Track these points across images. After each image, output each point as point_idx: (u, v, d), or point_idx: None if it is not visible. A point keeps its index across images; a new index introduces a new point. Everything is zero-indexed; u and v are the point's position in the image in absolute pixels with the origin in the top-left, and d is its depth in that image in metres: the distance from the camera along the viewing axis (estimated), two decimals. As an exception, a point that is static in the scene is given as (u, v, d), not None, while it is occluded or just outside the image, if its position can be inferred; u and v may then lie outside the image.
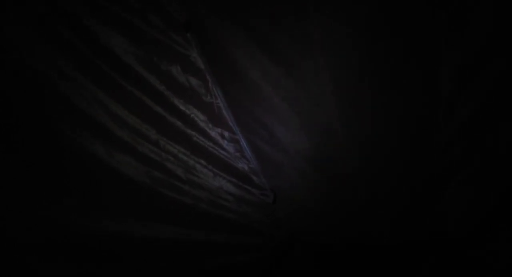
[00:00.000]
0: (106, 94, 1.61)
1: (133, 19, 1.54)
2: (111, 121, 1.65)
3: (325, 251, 2.17)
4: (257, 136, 2.00)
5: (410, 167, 2.03)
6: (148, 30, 1.59)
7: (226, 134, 1.96)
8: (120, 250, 1.77)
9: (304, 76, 1.79)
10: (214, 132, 1.93)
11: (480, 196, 2.11)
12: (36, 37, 1.39)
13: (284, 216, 2.13)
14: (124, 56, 1.59)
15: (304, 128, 1.93)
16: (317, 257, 2.17)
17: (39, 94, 1.48)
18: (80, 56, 1.48)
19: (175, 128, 1.83)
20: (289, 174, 2.10)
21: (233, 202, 2.00)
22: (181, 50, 1.71)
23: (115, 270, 1.78)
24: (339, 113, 1.85)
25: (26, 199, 1.57)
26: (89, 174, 1.67)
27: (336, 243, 2.20)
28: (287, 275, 2.09)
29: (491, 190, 2.02)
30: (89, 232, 1.70)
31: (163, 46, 1.66)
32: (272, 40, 1.73)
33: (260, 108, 1.93)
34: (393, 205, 2.17)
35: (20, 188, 1.59)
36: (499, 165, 1.89)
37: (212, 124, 1.91)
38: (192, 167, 1.91)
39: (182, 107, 1.83)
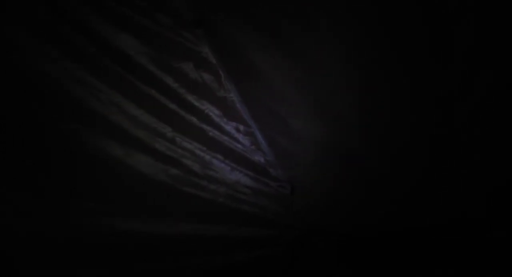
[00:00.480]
0: (121, 95, 1.64)
1: (142, 19, 1.54)
2: (127, 121, 1.68)
3: (346, 240, 2.18)
4: (272, 128, 2.00)
5: (427, 151, 2.01)
6: (157, 29, 1.59)
7: (241, 127, 1.97)
8: (139, 249, 1.81)
9: (316, 65, 1.78)
10: (229, 126, 1.93)
11: (498, 174, 2.09)
12: (49, 44, 1.41)
13: (302, 207, 2.13)
14: (136, 56, 1.60)
15: (319, 118, 1.92)
16: (338, 247, 2.17)
17: (54, 99, 1.50)
18: (93, 59, 1.50)
19: (191, 124, 1.84)
20: (305, 164, 2.10)
21: (250, 196, 2.02)
22: (192, 46, 1.71)
23: (135, 269, 1.82)
24: (353, 101, 1.83)
25: (46, 202, 1.62)
26: (107, 175, 1.71)
27: (357, 232, 2.20)
28: (308, 267, 2.11)
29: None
30: (108, 231, 1.74)
31: (174, 44, 1.66)
32: (283, 30, 1.72)
33: (274, 100, 1.92)
34: (412, 189, 2.16)
35: (40, 191, 1.64)
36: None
37: (227, 118, 1.92)
38: (209, 162, 1.93)
39: (196, 103, 1.83)
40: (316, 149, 2.05)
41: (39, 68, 1.44)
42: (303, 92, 1.85)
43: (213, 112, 1.89)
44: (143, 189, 1.78)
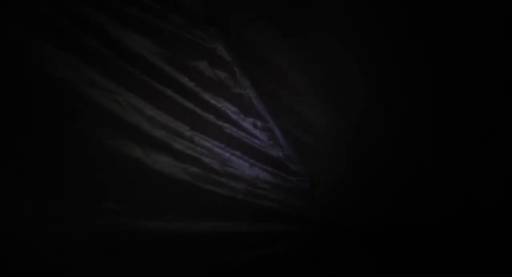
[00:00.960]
0: (137, 96, 1.65)
1: (155, 20, 1.55)
2: (144, 122, 1.70)
3: (366, 231, 2.17)
4: (289, 123, 1.99)
5: (446, 140, 1.99)
6: (171, 29, 1.60)
7: (258, 123, 1.97)
8: (162, 248, 1.83)
9: (330, 58, 1.77)
10: (246, 123, 1.94)
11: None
12: (67, 51, 1.43)
13: (322, 200, 2.13)
14: (151, 57, 1.62)
15: (335, 111, 1.91)
16: (358, 238, 2.17)
17: (73, 104, 1.53)
18: (108, 62, 1.52)
19: (208, 122, 1.85)
20: (323, 158, 2.09)
21: (270, 191, 2.02)
22: (206, 44, 1.71)
23: (158, 268, 1.84)
24: (368, 93, 1.82)
25: (70, 206, 1.66)
26: (128, 176, 1.73)
27: (376, 222, 2.19)
28: (331, 260, 2.11)
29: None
30: (132, 232, 1.77)
31: (188, 43, 1.67)
32: (296, 24, 1.71)
33: (289, 95, 1.92)
34: (431, 179, 2.14)
35: (64, 196, 1.67)
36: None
37: (243, 114, 1.92)
38: (228, 159, 1.94)
39: (212, 101, 1.84)
40: (334, 142, 2.04)
41: (58, 74, 1.48)
42: (318, 85, 1.84)
43: (230, 109, 1.89)
44: (163, 188, 1.81)
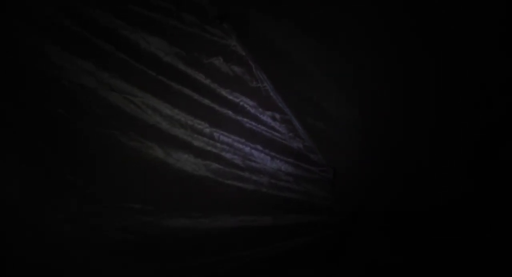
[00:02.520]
0: (155, 97, 1.68)
1: (168, 21, 1.57)
2: (163, 122, 1.72)
3: (392, 219, 2.15)
4: (308, 114, 1.99)
5: (463, 127, 1.96)
6: (184, 28, 1.62)
7: (277, 116, 1.96)
8: (187, 244, 1.86)
9: (346, 48, 1.76)
10: (265, 116, 1.94)
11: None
12: (85, 59, 1.47)
13: (345, 190, 2.12)
14: (166, 57, 1.64)
15: (352, 101, 1.89)
16: (385, 226, 2.15)
17: (94, 108, 1.56)
18: (124, 66, 1.55)
19: (227, 117, 1.86)
20: (343, 147, 2.08)
21: (293, 183, 2.02)
22: (220, 41, 1.72)
23: (184, 264, 1.87)
24: (386, 82, 1.80)
25: (93, 207, 1.70)
26: (150, 175, 1.76)
27: (403, 210, 2.17)
28: (357, 248, 2.11)
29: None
30: (156, 230, 1.80)
31: (202, 40, 1.68)
32: (311, 15, 1.71)
33: (306, 86, 1.91)
34: (450, 167, 2.11)
35: (86, 197, 1.72)
36: None
37: (262, 108, 1.92)
38: (249, 153, 1.94)
39: (230, 97, 1.85)
40: (353, 131, 2.02)
41: (79, 81, 1.51)
42: (336, 76, 1.83)
43: (248, 103, 1.89)
44: (186, 186, 1.83)
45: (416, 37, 1.66)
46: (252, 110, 1.91)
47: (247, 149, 1.94)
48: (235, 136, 1.90)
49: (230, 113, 1.86)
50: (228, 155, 1.90)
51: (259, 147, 1.96)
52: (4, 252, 1.71)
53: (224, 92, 1.82)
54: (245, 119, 1.91)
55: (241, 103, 1.88)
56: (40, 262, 1.75)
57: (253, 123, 1.92)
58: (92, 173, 1.72)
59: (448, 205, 2.11)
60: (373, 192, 2.10)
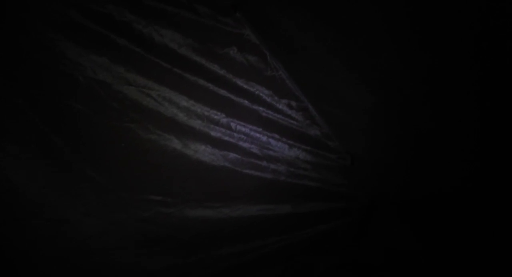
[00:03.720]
0: (171, 89, 1.69)
1: (181, 12, 1.57)
2: (180, 113, 1.73)
3: (411, 206, 2.14)
4: (324, 101, 1.98)
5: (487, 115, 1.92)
6: (198, 19, 1.62)
7: (293, 103, 1.96)
8: (208, 235, 1.88)
9: (362, 35, 1.74)
10: (281, 104, 1.93)
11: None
12: (94, 53, 1.48)
13: (363, 176, 2.11)
14: (180, 49, 1.64)
15: (368, 87, 1.88)
16: (404, 213, 2.14)
17: (110, 102, 1.58)
18: (140, 60, 1.56)
19: (243, 107, 1.86)
20: (361, 134, 2.07)
21: (311, 170, 2.02)
22: (233, 30, 1.71)
23: (206, 255, 1.90)
24: (404, 69, 1.78)
25: (114, 201, 1.73)
26: (169, 167, 1.78)
27: (420, 196, 2.16)
28: (377, 235, 2.10)
29: None
30: (177, 222, 1.82)
31: (215, 31, 1.68)
32: (325, 2, 1.69)
33: (322, 73, 1.90)
34: (469, 151, 2.08)
35: (108, 190, 1.75)
36: None
37: (278, 96, 1.92)
38: (267, 142, 1.95)
39: (245, 86, 1.85)
40: (370, 117, 2.01)
41: (95, 77, 1.53)
42: (351, 62, 1.81)
43: (263, 92, 1.89)
44: (205, 176, 1.84)
45: (437, 23, 1.62)
46: (268, 99, 1.91)
47: (264, 138, 1.94)
48: (252, 125, 1.91)
49: (246, 102, 1.86)
50: (245, 145, 1.90)
51: (276, 135, 1.96)
52: (26, 247, 1.75)
53: (239, 82, 1.83)
54: (261, 108, 1.91)
55: (256, 92, 1.87)
56: (61, 256, 1.79)
57: (270, 112, 1.92)
58: (111, 167, 1.75)
59: (469, 189, 2.09)
60: (391, 178, 2.09)
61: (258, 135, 1.93)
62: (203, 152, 1.82)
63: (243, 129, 1.90)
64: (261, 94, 1.89)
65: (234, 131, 1.88)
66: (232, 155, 1.87)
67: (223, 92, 1.80)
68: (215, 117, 1.82)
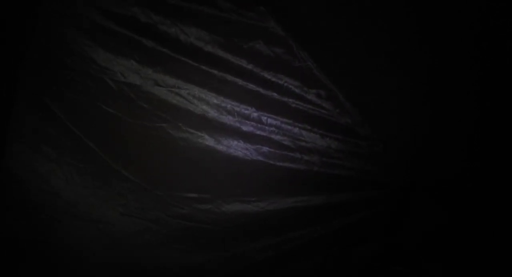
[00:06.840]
0: (199, 87, 1.71)
1: (204, 9, 1.58)
2: (210, 110, 1.75)
3: (447, 191, 2.10)
4: (353, 88, 1.95)
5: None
6: (221, 15, 1.63)
7: (322, 93, 1.94)
8: (246, 230, 1.90)
9: (389, 20, 1.73)
10: (310, 95, 1.92)
11: None
12: (122, 56, 1.51)
13: (396, 163, 2.08)
14: (206, 46, 1.66)
15: (398, 71, 1.86)
16: (439, 198, 2.10)
17: (140, 103, 1.61)
18: (167, 60, 1.58)
19: (273, 100, 1.86)
20: (391, 120, 2.04)
21: (344, 159, 2.00)
22: (258, 24, 1.71)
23: (246, 249, 1.92)
24: (433, 51, 1.75)
25: (150, 200, 1.78)
26: (202, 164, 1.81)
27: (457, 181, 2.12)
28: (414, 220, 2.08)
29: None
30: (213, 217, 1.85)
31: (240, 26, 1.69)
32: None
33: (349, 60, 1.89)
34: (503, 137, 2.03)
35: (142, 189, 1.79)
36: None
37: (306, 87, 1.91)
38: (298, 133, 1.94)
39: (273, 79, 1.85)
40: (401, 103, 1.99)
41: (125, 80, 1.56)
42: (380, 48, 1.80)
43: (292, 83, 1.89)
44: (239, 171, 1.86)
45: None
46: (297, 90, 1.90)
47: (296, 129, 1.93)
48: (283, 117, 1.91)
49: (275, 95, 1.86)
50: (277, 137, 1.90)
51: (307, 126, 1.95)
52: (70, 247, 1.82)
53: (267, 75, 1.83)
54: (290, 100, 1.90)
55: (285, 84, 1.87)
56: (103, 253, 1.85)
57: (299, 103, 1.92)
58: (145, 167, 1.79)
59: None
60: (424, 163, 2.05)
61: (289, 127, 1.93)
62: (236, 147, 1.83)
63: (274, 122, 1.90)
64: (290, 86, 1.88)
65: (265, 124, 1.88)
66: (265, 148, 1.88)
67: (251, 86, 1.80)
68: (246, 111, 1.83)
